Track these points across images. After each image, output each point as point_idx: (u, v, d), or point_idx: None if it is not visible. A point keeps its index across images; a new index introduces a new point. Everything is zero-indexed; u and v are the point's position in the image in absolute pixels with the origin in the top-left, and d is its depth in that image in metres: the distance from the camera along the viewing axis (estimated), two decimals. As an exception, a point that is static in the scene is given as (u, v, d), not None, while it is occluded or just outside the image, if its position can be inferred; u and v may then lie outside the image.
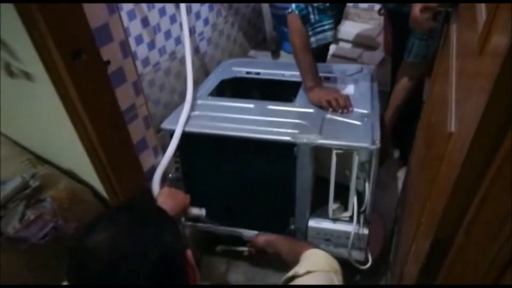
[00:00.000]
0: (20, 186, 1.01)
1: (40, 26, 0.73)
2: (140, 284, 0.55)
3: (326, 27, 1.27)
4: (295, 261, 0.86)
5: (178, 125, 1.24)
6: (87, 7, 0.78)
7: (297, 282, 0.76)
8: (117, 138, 0.96)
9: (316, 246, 0.90)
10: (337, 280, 0.78)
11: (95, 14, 0.81)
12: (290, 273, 0.78)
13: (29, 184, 1.02)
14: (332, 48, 2.26)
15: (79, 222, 1.01)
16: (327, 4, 1.22)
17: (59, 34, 0.73)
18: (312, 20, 1.25)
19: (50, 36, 0.72)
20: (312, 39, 1.28)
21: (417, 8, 1.21)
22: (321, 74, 1.55)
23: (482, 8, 0.59)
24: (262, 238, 1.11)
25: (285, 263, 0.96)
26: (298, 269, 0.78)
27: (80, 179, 1.11)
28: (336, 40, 2.41)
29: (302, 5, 1.22)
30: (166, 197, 0.97)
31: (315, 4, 1.21)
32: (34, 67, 0.82)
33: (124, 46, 0.89)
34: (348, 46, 2.39)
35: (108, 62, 0.85)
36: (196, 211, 1.10)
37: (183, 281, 0.62)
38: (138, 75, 0.97)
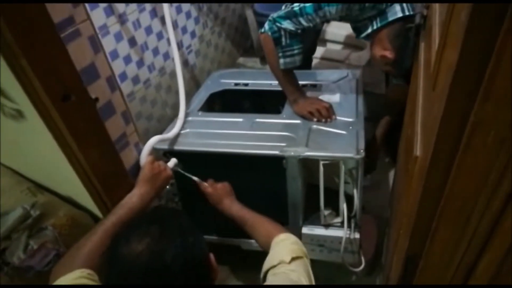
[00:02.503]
0: (21, 216, 1.06)
1: (27, 73, 0.77)
2: (177, 285, 0.66)
3: (296, 51, 1.30)
4: (263, 240, 0.97)
5: (156, 136, 1.24)
6: (73, 50, 0.82)
7: (286, 268, 0.83)
8: (110, 166, 1.00)
9: (283, 229, 0.99)
10: (308, 264, 0.88)
11: (81, 55, 0.85)
12: (275, 262, 0.86)
13: (30, 213, 1.07)
14: (320, 51, 2.30)
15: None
16: (299, 30, 1.24)
17: (47, 80, 0.77)
18: (283, 43, 1.27)
19: (39, 82, 0.77)
20: (281, 60, 1.31)
21: (377, 51, 1.27)
22: (307, 82, 1.60)
23: (436, 39, 0.63)
24: (212, 195, 1.20)
25: (244, 230, 1.09)
26: (281, 257, 0.85)
27: (79, 205, 1.16)
28: (323, 41, 2.44)
29: (274, 27, 1.25)
30: (146, 182, 1.01)
31: (288, 29, 1.24)
32: (26, 109, 0.87)
33: (111, 81, 0.94)
34: (335, 47, 2.42)
35: (96, 99, 0.89)
36: (171, 164, 1.17)
37: (209, 279, 0.73)
38: (126, 105, 1.01)
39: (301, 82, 1.46)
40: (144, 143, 1.20)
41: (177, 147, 1.31)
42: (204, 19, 2.06)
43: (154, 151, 1.28)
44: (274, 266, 0.85)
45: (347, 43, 2.41)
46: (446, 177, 0.52)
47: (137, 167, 1.09)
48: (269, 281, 0.83)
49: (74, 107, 0.83)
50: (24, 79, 0.78)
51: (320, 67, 2.20)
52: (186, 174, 1.30)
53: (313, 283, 0.83)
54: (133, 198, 0.99)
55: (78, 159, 0.91)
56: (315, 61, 2.20)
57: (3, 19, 0.70)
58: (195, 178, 1.28)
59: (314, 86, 1.60)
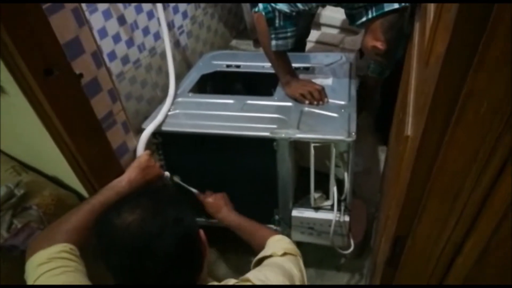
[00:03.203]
0: (5, 195, 1.03)
1: (8, 45, 0.74)
2: (167, 259, 0.65)
3: (289, 34, 1.26)
4: (258, 243, 0.96)
5: (151, 124, 1.25)
6: (56, 22, 0.79)
7: (276, 260, 0.85)
8: (96, 145, 0.98)
9: (278, 232, 1.01)
10: (301, 263, 0.88)
11: (64, 28, 0.82)
12: (268, 253, 0.87)
13: (14, 193, 1.05)
14: (315, 34, 2.27)
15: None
16: (294, 13, 1.21)
17: (29, 53, 0.74)
18: (277, 25, 1.24)
19: (20, 57, 0.74)
20: (273, 42, 1.28)
21: (369, 41, 1.24)
22: (300, 65, 1.57)
23: (431, 14, 0.62)
24: (211, 204, 1.22)
25: (241, 238, 1.10)
26: (274, 250, 0.87)
27: (65, 185, 1.14)
28: (318, 25, 2.41)
29: (269, 7, 1.21)
30: (140, 170, 1.01)
31: (283, 10, 1.20)
32: (8, 84, 0.84)
33: (97, 57, 0.91)
34: (330, 31, 2.40)
35: (81, 75, 0.86)
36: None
37: (199, 255, 0.73)
38: (113, 83, 0.98)
39: (294, 65, 1.43)
40: (133, 123, 1.17)
41: (166, 128, 1.29)
42: (196, -1, 2.01)
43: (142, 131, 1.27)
44: (266, 257, 0.87)
45: (342, 27, 2.39)
46: (437, 154, 0.51)
47: (124, 147, 1.08)
48: (263, 265, 0.85)
49: (57, 83, 0.80)
50: (4, 51, 0.74)
51: (314, 51, 2.18)
52: (185, 185, 1.33)
53: (305, 279, 0.84)
54: (123, 183, 0.97)
55: (62, 136, 0.89)
56: (309, 45, 2.18)
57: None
58: (193, 190, 1.30)
59: (307, 69, 1.58)
